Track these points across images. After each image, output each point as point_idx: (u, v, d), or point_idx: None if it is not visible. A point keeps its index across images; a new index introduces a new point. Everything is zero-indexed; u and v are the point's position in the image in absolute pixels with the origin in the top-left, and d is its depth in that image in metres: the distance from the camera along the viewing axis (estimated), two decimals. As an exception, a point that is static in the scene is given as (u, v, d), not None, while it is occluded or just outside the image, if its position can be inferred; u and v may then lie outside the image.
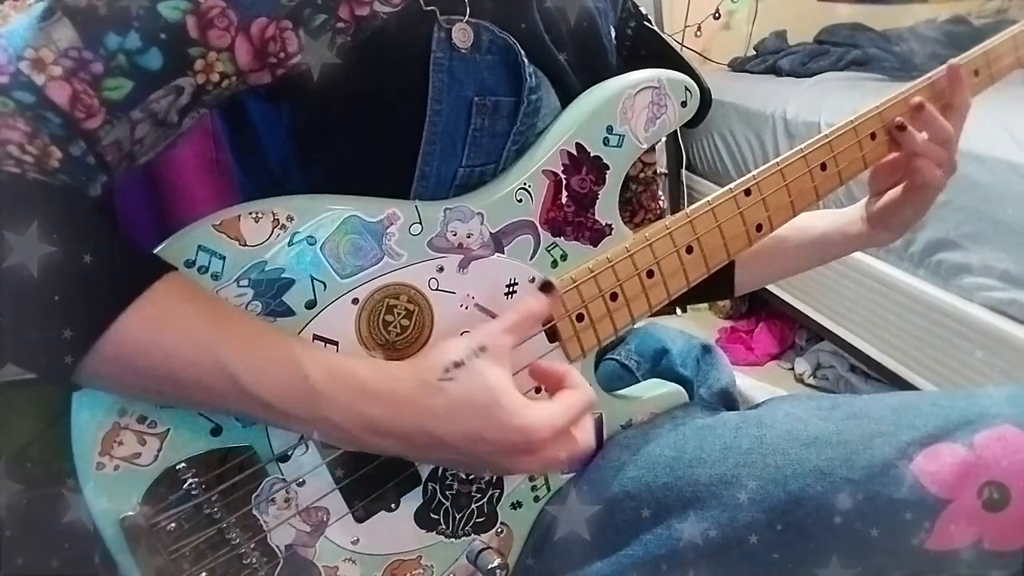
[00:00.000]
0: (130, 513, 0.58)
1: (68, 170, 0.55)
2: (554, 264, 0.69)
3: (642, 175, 0.94)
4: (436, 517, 0.68)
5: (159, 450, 0.59)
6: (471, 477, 0.69)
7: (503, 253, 0.67)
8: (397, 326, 0.64)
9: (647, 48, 0.84)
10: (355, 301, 0.62)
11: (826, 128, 0.81)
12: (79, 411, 0.58)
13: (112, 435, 0.58)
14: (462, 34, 0.64)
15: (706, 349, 0.88)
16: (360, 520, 0.65)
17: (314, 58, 0.60)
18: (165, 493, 0.59)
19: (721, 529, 0.66)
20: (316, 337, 0.62)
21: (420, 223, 0.64)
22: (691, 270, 0.74)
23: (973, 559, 0.64)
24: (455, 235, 0.65)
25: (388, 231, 0.63)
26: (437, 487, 0.68)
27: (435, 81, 0.64)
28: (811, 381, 2.27)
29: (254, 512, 0.62)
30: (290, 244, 0.61)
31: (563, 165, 0.68)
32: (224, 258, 0.59)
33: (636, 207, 0.95)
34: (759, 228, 0.77)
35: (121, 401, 0.58)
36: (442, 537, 0.69)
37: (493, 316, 0.67)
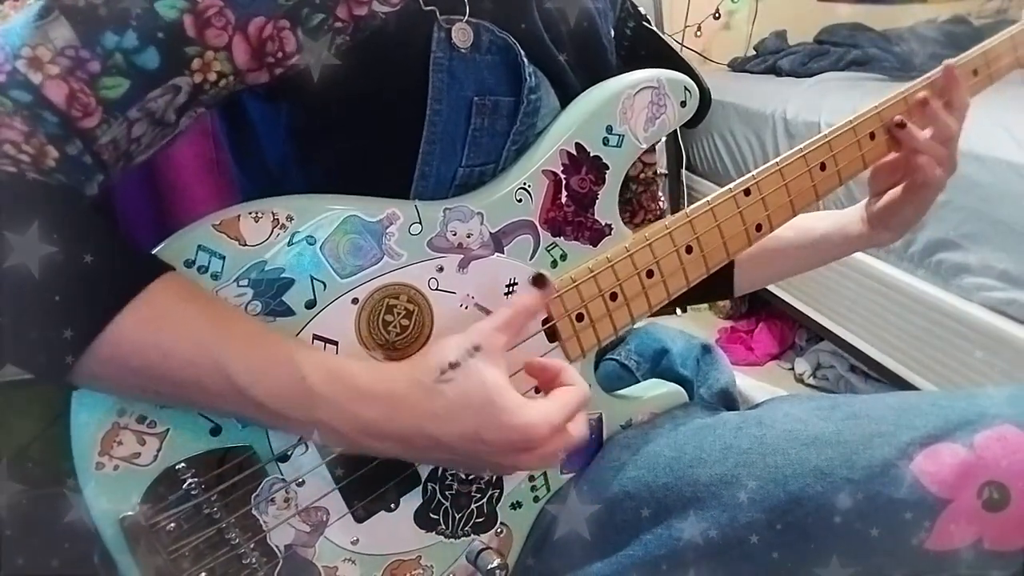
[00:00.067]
0: (130, 513, 0.58)
1: (65, 170, 0.54)
2: (554, 264, 0.69)
3: (642, 175, 0.94)
4: (436, 517, 0.68)
5: (159, 450, 0.59)
6: (471, 477, 0.69)
7: (503, 253, 0.67)
8: (397, 326, 0.64)
9: (646, 48, 0.84)
10: (355, 301, 0.62)
11: (826, 128, 0.81)
12: (78, 411, 0.58)
13: (111, 435, 0.58)
14: (462, 34, 0.64)
15: (706, 349, 0.88)
16: (360, 520, 0.65)
17: (312, 58, 0.60)
18: (165, 493, 0.59)
19: (721, 529, 0.66)
20: (316, 337, 0.62)
21: (420, 223, 0.64)
22: (691, 270, 0.74)
23: (973, 559, 0.64)
24: (455, 235, 0.65)
25: (388, 231, 0.63)
26: (437, 487, 0.68)
27: (435, 81, 0.64)
28: (811, 381, 2.27)
29: (253, 512, 0.62)
30: (290, 244, 0.61)
31: (563, 165, 0.68)
32: (224, 258, 0.59)
33: (636, 207, 0.95)
34: (759, 228, 0.77)
35: (120, 401, 0.58)
36: (442, 537, 0.69)
37: (493, 316, 0.67)
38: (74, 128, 0.54)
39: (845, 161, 0.81)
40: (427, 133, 0.65)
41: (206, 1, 0.56)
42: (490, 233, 0.66)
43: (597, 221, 0.71)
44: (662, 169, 2.68)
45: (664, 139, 2.43)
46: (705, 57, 3.00)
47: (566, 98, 0.71)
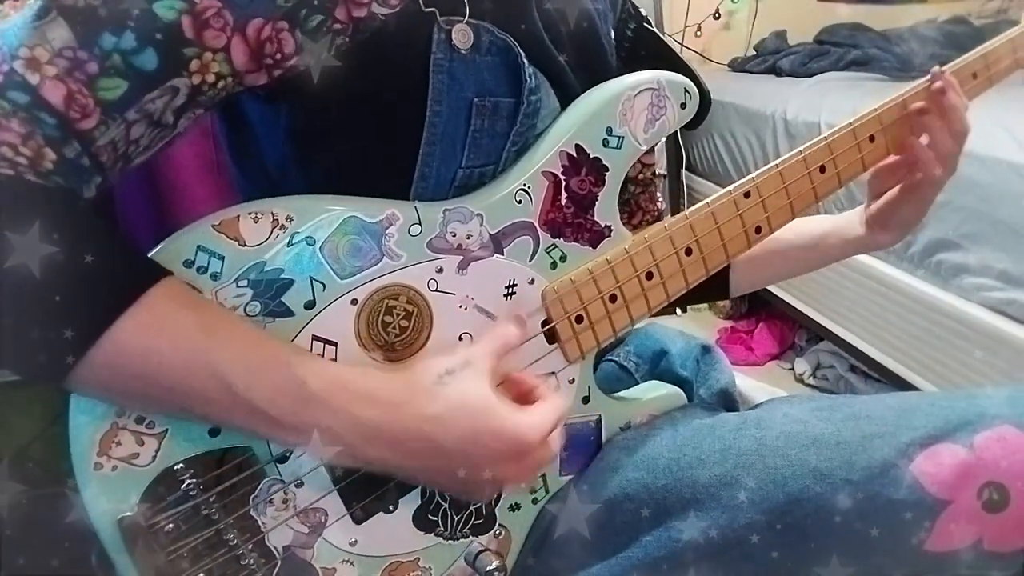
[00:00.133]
0: (128, 513, 0.58)
1: (63, 171, 0.54)
2: (553, 265, 0.69)
3: (641, 176, 0.94)
4: (434, 519, 0.68)
5: (157, 450, 0.59)
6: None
7: (502, 254, 0.67)
8: (396, 327, 0.64)
9: (646, 49, 0.84)
10: (354, 302, 0.62)
11: (826, 128, 0.81)
12: (77, 411, 0.58)
13: (110, 435, 0.58)
14: (462, 35, 0.64)
15: (705, 349, 0.88)
16: (358, 521, 0.65)
17: (312, 59, 0.60)
18: (163, 493, 0.59)
19: (720, 530, 0.66)
20: (315, 338, 0.61)
21: (419, 224, 0.64)
22: (690, 272, 0.74)
23: (973, 560, 0.64)
24: (454, 236, 0.65)
25: (387, 232, 0.63)
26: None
27: (435, 82, 0.64)
28: (811, 381, 2.27)
29: (252, 513, 0.61)
30: (289, 244, 0.61)
31: (562, 166, 0.68)
32: (223, 258, 0.59)
33: (634, 208, 0.95)
34: (758, 230, 0.77)
35: (119, 402, 0.58)
36: (440, 539, 0.69)
37: (492, 317, 0.67)
38: (72, 130, 0.54)
39: (845, 163, 0.81)
40: (427, 134, 0.65)
41: (204, 2, 0.55)
42: (490, 234, 0.66)
43: (597, 223, 0.70)
44: (661, 170, 2.68)
45: (664, 140, 2.44)
46: (705, 57, 3.00)
47: (566, 99, 0.71)
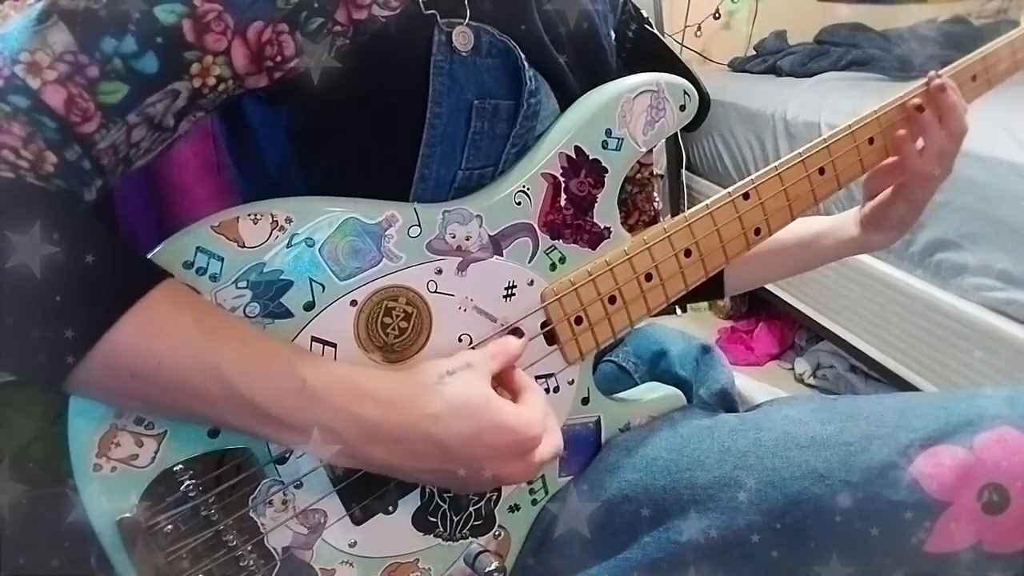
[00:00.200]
0: (127, 514, 0.58)
1: (63, 175, 0.54)
2: (552, 267, 0.69)
3: (638, 176, 0.94)
4: (434, 520, 0.68)
5: (156, 451, 0.59)
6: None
7: (502, 255, 0.67)
8: (395, 328, 0.64)
9: (647, 51, 0.84)
10: (353, 303, 0.62)
11: (826, 128, 0.81)
12: (76, 413, 0.58)
13: (109, 437, 0.58)
14: (462, 37, 0.64)
15: (705, 350, 0.88)
16: (358, 522, 0.65)
17: (312, 62, 0.60)
18: (162, 495, 0.59)
19: (720, 531, 0.66)
20: (314, 339, 0.62)
21: (419, 225, 0.64)
22: (689, 274, 0.74)
23: (973, 561, 0.64)
24: (454, 237, 0.65)
25: (387, 233, 0.63)
26: (435, 490, 0.68)
27: (435, 84, 0.64)
28: (811, 381, 2.27)
29: (251, 514, 0.62)
30: (289, 246, 0.61)
31: (562, 168, 0.68)
32: (223, 259, 0.59)
33: (631, 208, 0.95)
34: (757, 232, 0.77)
35: (118, 403, 0.58)
36: (439, 540, 0.69)
37: (492, 319, 0.67)
38: (73, 133, 0.54)
39: (844, 166, 0.81)
40: (427, 136, 0.65)
41: (205, 6, 0.55)
42: (489, 236, 0.66)
43: (596, 224, 0.70)
44: (659, 170, 2.68)
45: (663, 140, 2.44)
46: (705, 57, 3.00)
47: (566, 101, 0.71)
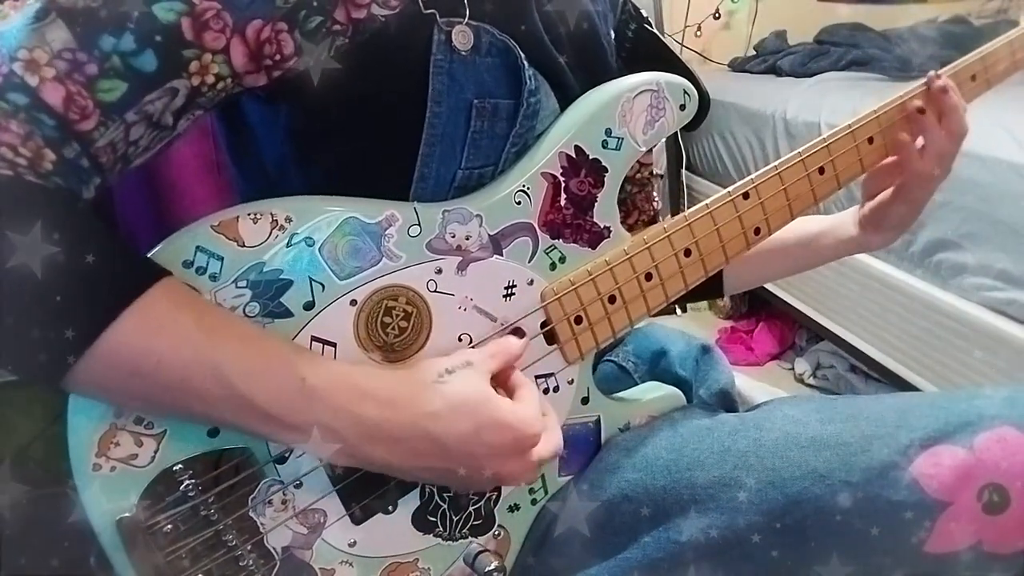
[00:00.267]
0: (127, 514, 0.58)
1: (62, 172, 0.54)
2: (552, 267, 0.69)
3: (638, 176, 0.94)
4: (433, 519, 0.68)
5: (156, 451, 0.59)
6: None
7: (502, 255, 0.67)
8: (395, 328, 0.64)
9: (647, 50, 0.84)
10: (353, 303, 0.62)
11: (826, 128, 0.81)
12: (75, 412, 0.57)
13: (109, 436, 0.58)
14: (462, 36, 0.64)
15: (705, 350, 0.88)
16: (357, 522, 0.65)
17: (311, 60, 0.60)
18: (162, 494, 0.59)
19: (720, 530, 0.66)
20: (314, 339, 0.61)
21: (419, 225, 0.64)
22: (689, 273, 0.74)
23: (973, 561, 0.64)
24: (454, 237, 0.65)
25: (387, 233, 0.63)
26: (434, 489, 0.68)
27: (435, 83, 0.64)
28: (811, 381, 2.27)
29: (251, 514, 0.62)
30: (288, 245, 0.61)
31: (562, 167, 0.68)
32: (222, 259, 0.59)
33: (630, 207, 0.95)
34: (757, 231, 0.77)
35: (117, 403, 0.58)
36: (439, 539, 0.69)
37: (492, 318, 0.67)
38: (71, 131, 0.54)
39: (843, 165, 0.81)
40: (427, 135, 0.65)
41: (204, 4, 0.55)
42: (489, 235, 0.66)
43: (596, 224, 0.70)
44: (658, 170, 2.67)
45: (663, 139, 2.44)
46: (705, 57, 3.00)
47: (566, 100, 0.71)
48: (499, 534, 0.72)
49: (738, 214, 0.75)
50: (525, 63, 0.66)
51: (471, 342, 0.67)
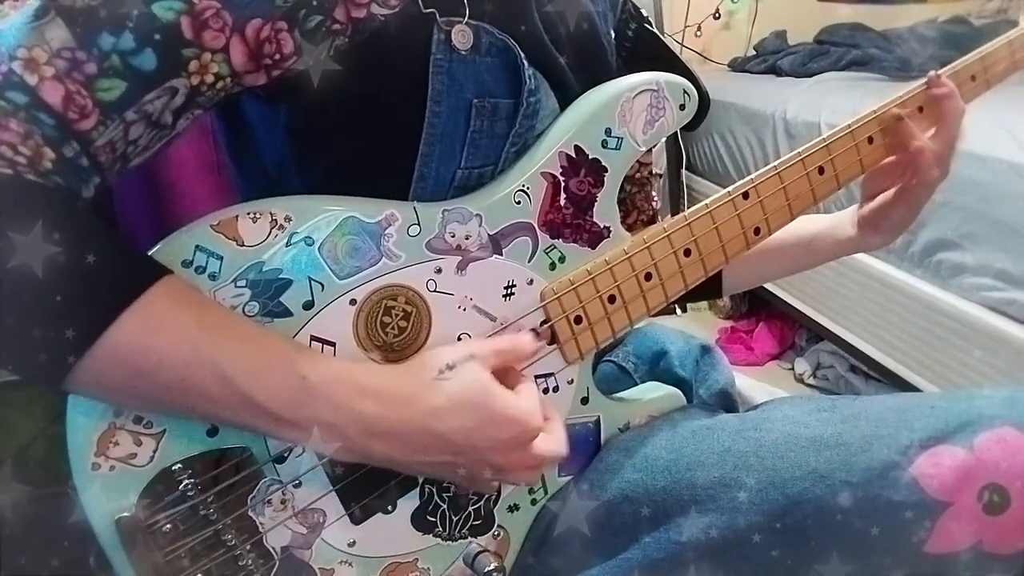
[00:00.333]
0: (126, 514, 0.58)
1: (61, 171, 0.54)
2: (552, 266, 0.69)
3: (637, 175, 0.94)
4: (433, 519, 0.68)
5: (155, 450, 0.59)
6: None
7: (501, 255, 0.67)
8: (395, 327, 0.64)
9: (647, 50, 0.84)
10: (353, 302, 0.62)
11: (826, 128, 0.81)
12: (74, 412, 0.58)
13: (108, 436, 0.58)
14: (462, 36, 0.64)
15: (705, 350, 0.88)
16: (357, 522, 0.65)
17: (310, 60, 0.60)
18: (161, 494, 0.59)
19: (720, 531, 0.66)
20: (314, 338, 0.61)
21: (418, 224, 0.64)
22: (689, 273, 0.74)
23: (973, 561, 0.64)
24: (453, 236, 0.65)
25: (386, 232, 0.63)
26: (434, 489, 0.68)
27: (435, 83, 0.64)
28: (811, 381, 2.27)
29: (250, 513, 0.61)
30: (288, 245, 0.61)
31: (561, 167, 0.68)
32: (222, 258, 0.59)
33: (629, 207, 0.95)
34: (757, 231, 0.77)
35: (117, 402, 0.58)
36: (439, 539, 0.69)
37: (491, 318, 0.67)
38: (70, 130, 0.54)
39: (843, 165, 0.81)
40: (426, 135, 0.65)
41: (203, 3, 0.55)
42: (488, 235, 0.66)
43: (596, 223, 0.70)
44: (657, 169, 2.67)
45: (663, 139, 2.44)
46: (705, 57, 2.99)
47: (565, 100, 0.71)
48: (499, 534, 0.72)
49: (737, 213, 0.75)
50: (525, 63, 0.66)
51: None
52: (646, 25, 0.85)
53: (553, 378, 0.71)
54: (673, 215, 0.74)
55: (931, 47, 2.24)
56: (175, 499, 0.59)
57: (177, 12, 0.55)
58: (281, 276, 0.60)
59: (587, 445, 0.75)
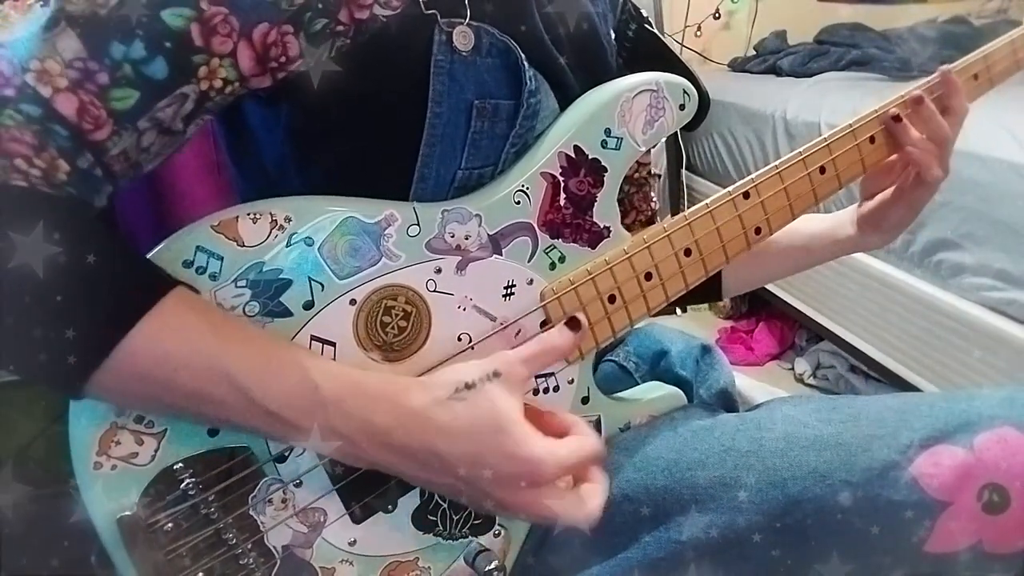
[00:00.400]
0: (127, 513, 0.58)
1: (75, 183, 0.55)
2: (552, 266, 0.69)
3: (636, 175, 0.94)
4: (433, 519, 0.68)
5: (156, 450, 0.59)
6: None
7: (501, 255, 0.67)
8: (395, 327, 0.64)
9: (647, 50, 0.84)
10: (353, 302, 0.62)
11: (826, 128, 0.81)
12: (76, 411, 0.58)
13: (109, 435, 0.58)
14: (463, 37, 0.64)
15: (705, 350, 0.88)
16: (357, 521, 0.65)
17: (315, 62, 0.60)
18: (162, 493, 0.59)
19: (720, 530, 0.66)
20: (314, 338, 0.62)
21: (418, 224, 0.64)
22: (689, 273, 0.74)
23: (973, 561, 0.64)
24: (453, 236, 0.65)
25: (386, 232, 0.63)
26: (435, 488, 0.68)
27: (436, 84, 0.64)
28: (811, 381, 2.27)
29: (251, 513, 0.62)
30: (288, 245, 0.61)
31: (561, 167, 0.68)
32: (222, 259, 0.59)
33: (628, 207, 0.94)
34: (757, 231, 0.77)
35: (119, 402, 0.58)
36: (439, 539, 0.69)
37: (491, 318, 0.67)
38: (85, 141, 0.54)
39: (844, 165, 0.81)
40: (427, 136, 0.65)
41: (212, 9, 0.55)
42: (488, 235, 0.66)
43: (595, 223, 0.70)
44: (657, 170, 2.68)
45: (664, 139, 2.44)
46: (705, 57, 2.99)
47: (565, 100, 0.71)
48: (499, 533, 0.72)
49: (738, 213, 0.75)
50: (525, 64, 0.66)
51: (470, 342, 0.67)
52: (646, 25, 0.85)
53: (554, 378, 0.71)
54: (673, 215, 0.75)
55: (931, 47, 2.24)
56: (176, 498, 0.59)
57: (187, 19, 0.55)
58: (281, 276, 0.61)
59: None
